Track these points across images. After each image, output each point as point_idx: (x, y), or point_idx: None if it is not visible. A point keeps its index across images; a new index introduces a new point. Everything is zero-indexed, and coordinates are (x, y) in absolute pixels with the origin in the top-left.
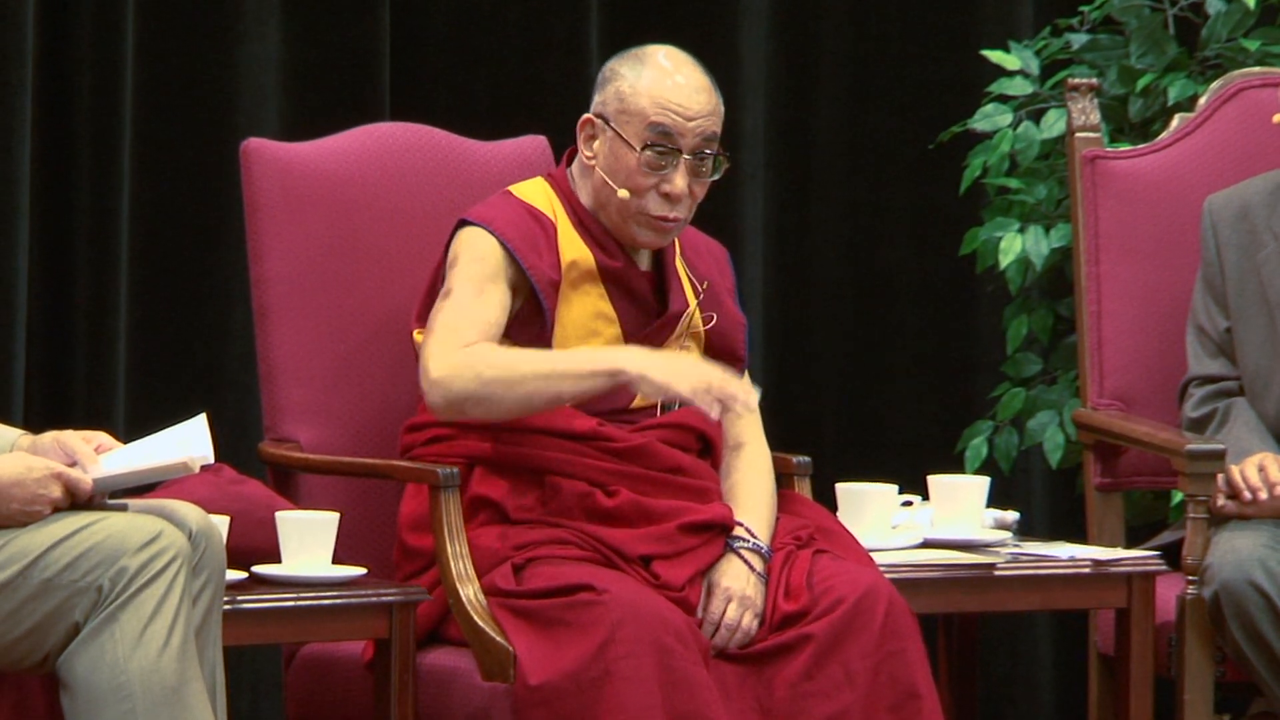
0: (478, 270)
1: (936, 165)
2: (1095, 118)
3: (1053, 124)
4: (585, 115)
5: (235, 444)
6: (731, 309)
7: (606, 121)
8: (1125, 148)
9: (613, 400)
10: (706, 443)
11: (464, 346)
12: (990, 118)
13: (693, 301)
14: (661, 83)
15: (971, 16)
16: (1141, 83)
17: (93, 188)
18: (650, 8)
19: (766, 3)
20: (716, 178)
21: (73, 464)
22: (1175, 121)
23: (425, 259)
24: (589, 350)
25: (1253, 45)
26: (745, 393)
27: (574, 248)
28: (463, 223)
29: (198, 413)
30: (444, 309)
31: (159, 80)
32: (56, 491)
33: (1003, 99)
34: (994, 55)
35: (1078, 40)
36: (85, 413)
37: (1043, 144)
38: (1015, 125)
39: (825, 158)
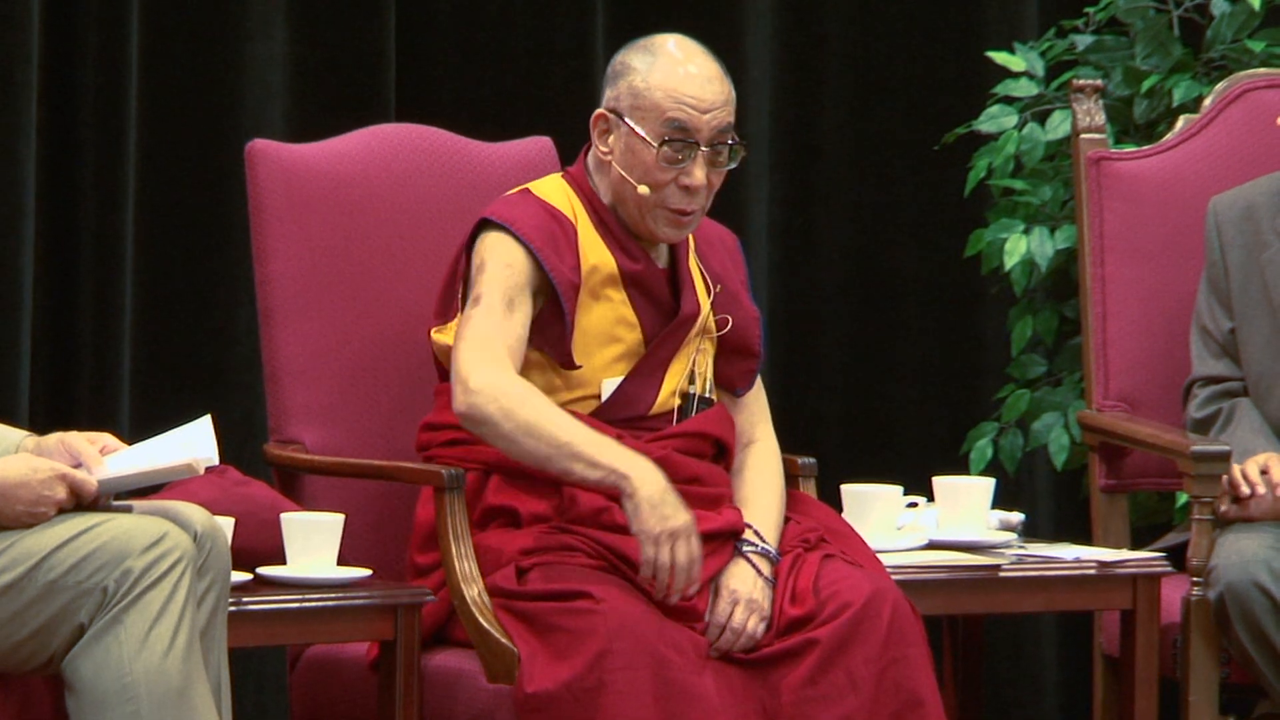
0: (507, 279)
1: (941, 166)
2: (1100, 119)
3: (1058, 125)
4: (598, 110)
5: (240, 445)
6: (745, 303)
7: (621, 116)
8: (1130, 149)
9: (631, 407)
10: (722, 447)
11: (499, 365)
12: (995, 119)
13: (705, 303)
14: (674, 75)
15: (976, 18)
16: (1146, 84)
17: (98, 188)
18: (655, 9)
19: (772, 4)
20: (734, 166)
21: (78, 465)
22: (1180, 123)
23: (431, 259)
24: (611, 444)
25: (1258, 46)
26: (687, 587)
27: (594, 250)
28: (485, 222)
29: (202, 414)
30: (475, 317)
31: (164, 81)
32: (61, 493)
33: (1008, 100)
34: (999, 56)
35: (1083, 41)
36: (90, 414)
37: (1048, 145)
38: (1020, 126)
39: (830, 159)
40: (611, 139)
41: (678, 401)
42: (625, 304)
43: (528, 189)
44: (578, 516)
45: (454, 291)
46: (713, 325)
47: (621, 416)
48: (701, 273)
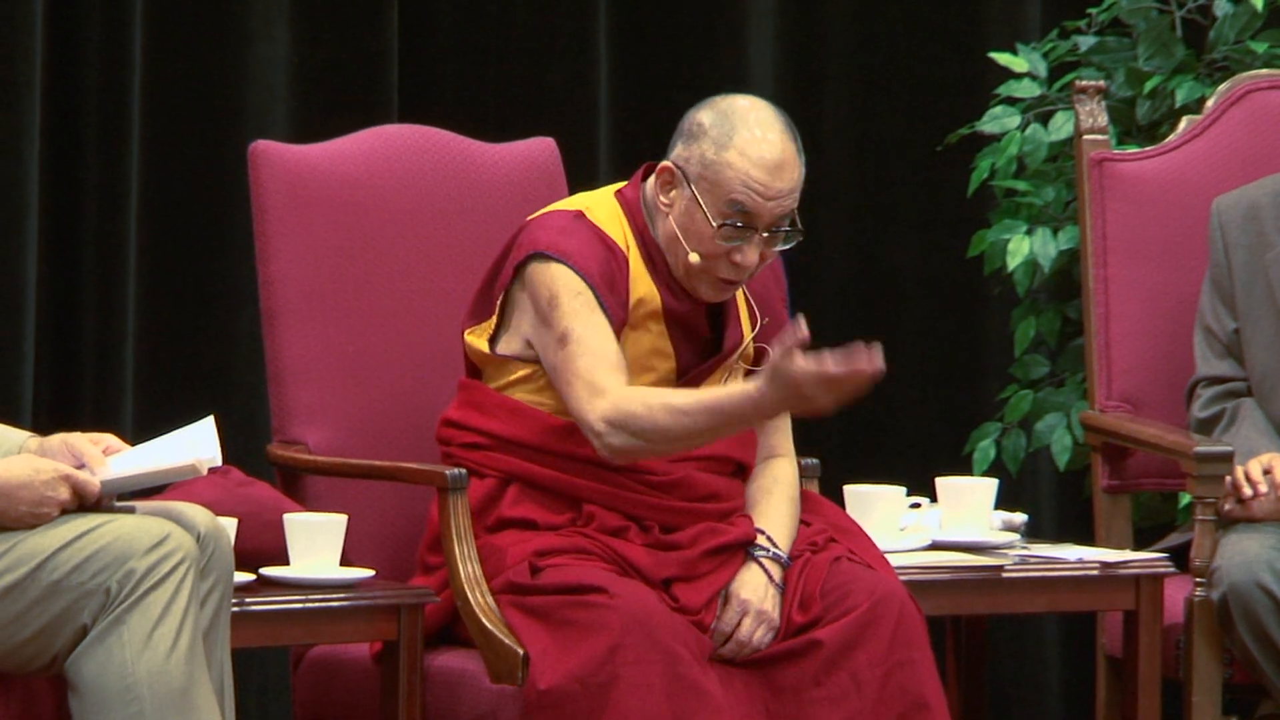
0: (582, 305)
1: (944, 167)
2: (1103, 120)
3: (1060, 126)
4: (665, 163)
5: (243, 446)
6: (784, 323)
7: (687, 180)
8: (1133, 150)
9: None
10: (740, 465)
11: (608, 397)
12: (998, 120)
13: (748, 333)
14: (749, 156)
15: (979, 19)
16: (1149, 85)
17: (101, 189)
18: (658, 10)
19: (774, 5)
20: (788, 248)
21: (81, 466)
22: (1183, 124)
23: (434, 260)
24: (723, 394)
25: (1260, 47)
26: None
27: (643, 283)
28: (539, 254)
29: (206, 414)
30: (571, 356)
31: (167, 81)
32: (64, 493)
33: (1010, 101)
34: (1001, 57)
35: (1085, 42)
36: (93, 414)
37: (1050, 146)
38: (1023, 127)
39: (833, 160)
40: (674, 193)
41: None
42: (664, 336)
43: (582, 212)
44: (597, 530)
45: (490, 295)
46: (751, 352)
47: None
48: (747, 300)
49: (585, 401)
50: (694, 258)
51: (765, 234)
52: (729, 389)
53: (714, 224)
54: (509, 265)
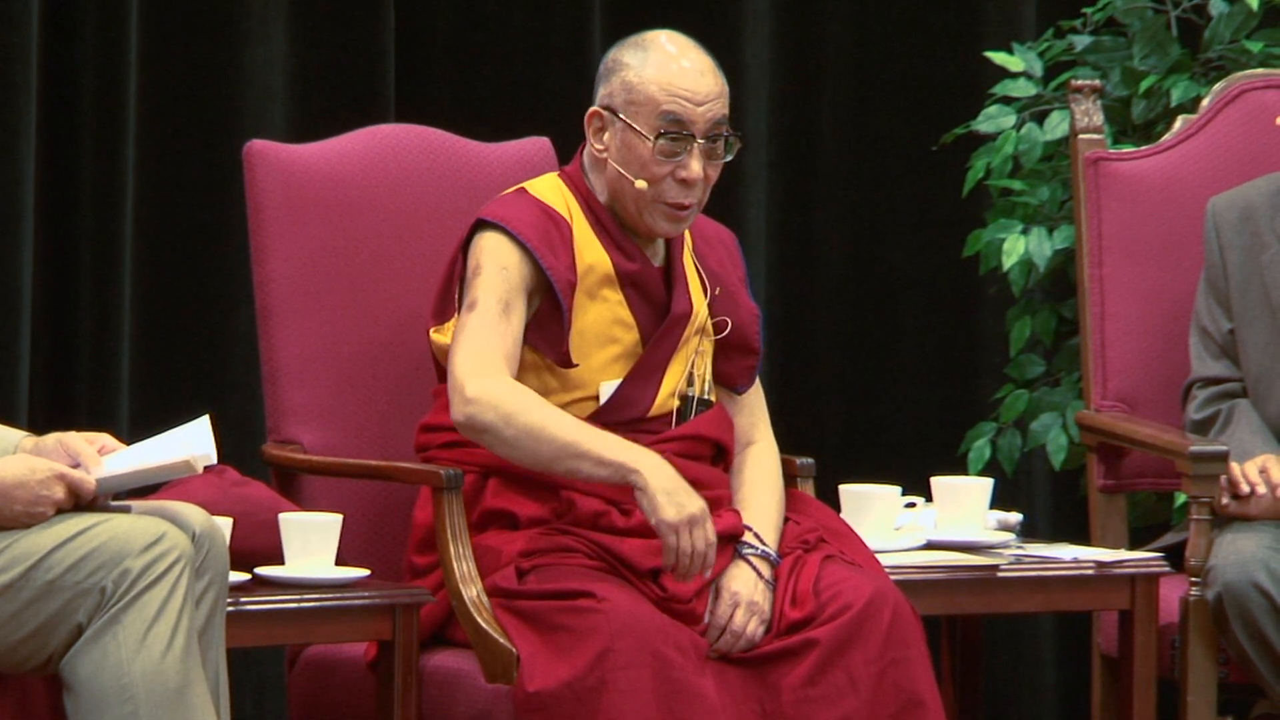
0: (502, 283)
1: (940, 167)
2: (1098, 119)
3: (1056, 126)
4: (592, 108)
5: (239, 446)
6: (744, 300)
7: (615, 113)
8: (1128, 149)
9: (630, 410)
10: (720, 449)
11: (495, 372)
12: (993, 119)
13: (699, 302)
14: (668, 69)
15: (975, 18)
16: (1144, 84)
17: (97, 189)
18: (653, 10)
19: (769, 5)
20: (730, 158)
21: (76, 465)
22: (1178, 123)
23: (429, 260)
24: (615, 440)
25: (1256, 47)
26: (703, 571)
27: (591, 249)
28: (481, 223)
29: (201, 414)
30: (470, 324)
31: (163, 82)
32: (60, 493)
33: (1006, 100)
34: (997, 57)
35: (1081, 42)
36: (89, 414)
37: (1046, 146)
38: (1018, 127)
39: (828, 159)
40: (606, 136)
41: (676, 403)
42: (622, 304)
43: (523, 188)
44: (576, 519)
45: (451, 292)
46: (710, 327)
47: (620, 419)
48: (698, 271)
49: (469, 363)
50: (640, 184)
51: (703, 141)
52: (616, 440)
53: (650, 139)
54: (458, 250)
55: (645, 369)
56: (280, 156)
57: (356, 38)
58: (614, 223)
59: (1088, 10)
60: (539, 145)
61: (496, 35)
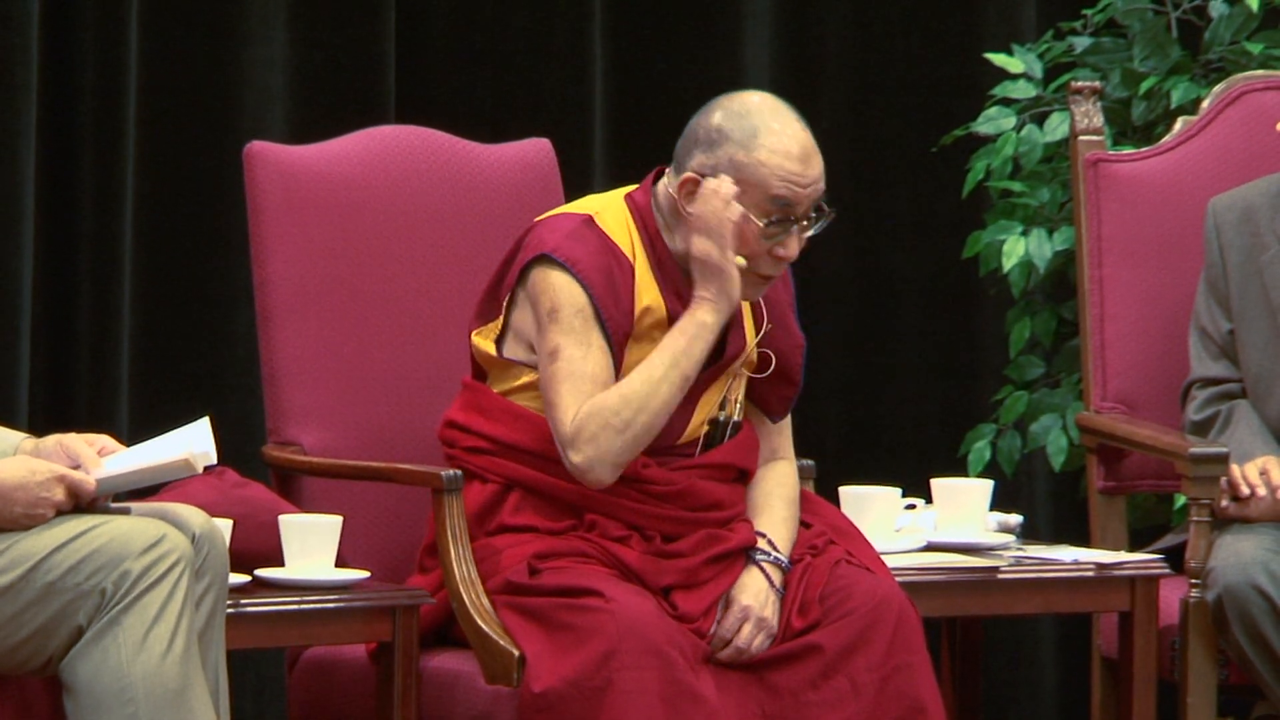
0: (580, 325)
1: (939, 168)
2: (1098, 121)
3: (1056, 127)
4: (687, 174)
5: (239, 447)
6: (792, 329)
7: None
8: (1128, 151)
9: (661, 439)
10: (742, 472)
11: (583, 426)
12: (993, 121)
13: (751, 339)
14: (779, 152)
15: (975, 19)
16: (1144, 86)
17: (97, 190)
18: (654, 12)
19: (769, 6)
20: (820, 230)
21: (76, 467)
22: (1178, 124)
23: (429, 261)
24: (671, 335)
25: (1256, 48)
26: None
27: (649, 292)
28: (544, 257)
29: (201, 415)
30: (557, 379)
31: (163, 83)
32: (59, 494)
33: (1006, 102)
34: (997, 58)
35: (1081, 43)
36: (88, 415)
37: (1046, 147)
38: (1018, 128)
39: (828, 161)
40: (699, 203)
41: (706, 428)
42: None
43: (591, 218)
44: (596, 537)
45: (497, 297)
46: (754, 358)
47: (649, 446)
48: (753, 305)
49: (568, 437)
50: (741, 261)
51: (803, 222)
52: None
53: (759, 224)
54: (516, 266)
55: (683, 401)
56: (280, 158)
57: (356, 39)
58: (673, 265)
59: (1088, 12)
60: (539, 146)
61: (496, 36)
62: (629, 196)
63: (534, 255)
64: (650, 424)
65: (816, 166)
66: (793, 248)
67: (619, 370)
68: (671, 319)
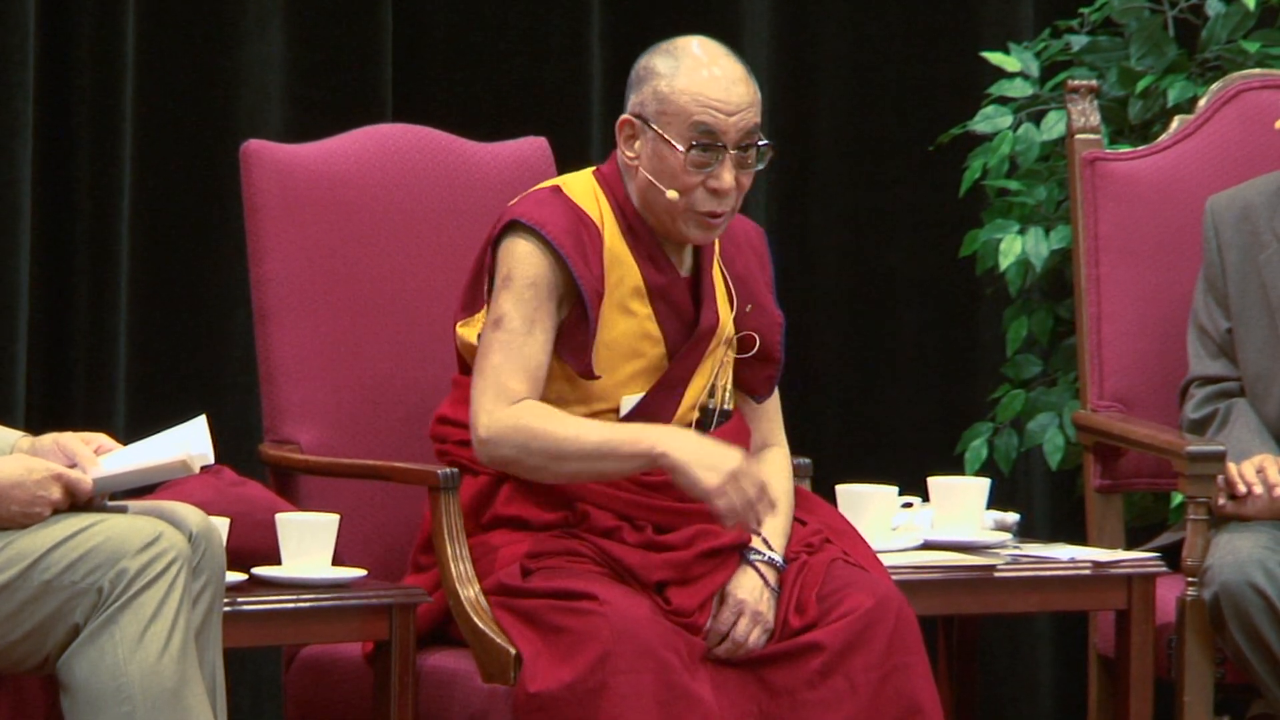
0: (531, 298)
1: (936, 167)
2: (1095, 119)
3: (1053, 126)
4: (623, 116)
5: (235, 446)
6: (770, 308)
7: (646, 122)
8: (1125, 149)
9: (650, 423)
10: None
11: (506, 401)
12: (990, 119)
13: (726, 314)
14: (699, 78)
15: (971, 18)
16: (1141, 84)
17: (93, 189)
18: (651, 10)
19: (767, 5)
20: (761, 167)
21: (72, 465)
22: (1175, 123)
23: (426, 259)
24: (632, 429)
25: (1252, 47)
26: (769, 504)
27: (621, 259)
28: (514, 223)
29: (198, 414)
30: (494, 346)
31: (160, 82)
32: (56, 493)
33: (1003, 101)
34: (994, 57)
35: (1078, 42)
36: (85, 414)
37: (1043, 146)
38: (1015, 127)
39: (825, 160)
40: (638, 144)
41: (695, 415)
42: (650, 319)
43: (558, 186)
44: (588, 529)
45: (480, 285)
46: (736, 341)
47: None
48: (725, 281)
49: (485, 397)
50: (672, 194)
51: (735, 151)
52: (630, 429)
53: (681, 150)
54: (488, 244)
55: (669, 383)
56: (277, 156)
57: (353, 37)
58: (645, 230)
59: (1084, 10)
60: (536, 145)
61: (494, 35)
62: (597, 170)
63: (504, 224)
64: (556, 475)
65: (743, 95)
66: (725, 179)
67: (595, 337)
68: (647, 285)
